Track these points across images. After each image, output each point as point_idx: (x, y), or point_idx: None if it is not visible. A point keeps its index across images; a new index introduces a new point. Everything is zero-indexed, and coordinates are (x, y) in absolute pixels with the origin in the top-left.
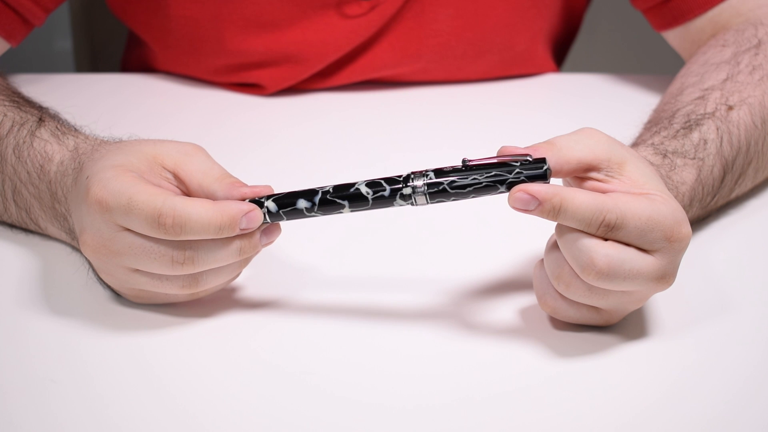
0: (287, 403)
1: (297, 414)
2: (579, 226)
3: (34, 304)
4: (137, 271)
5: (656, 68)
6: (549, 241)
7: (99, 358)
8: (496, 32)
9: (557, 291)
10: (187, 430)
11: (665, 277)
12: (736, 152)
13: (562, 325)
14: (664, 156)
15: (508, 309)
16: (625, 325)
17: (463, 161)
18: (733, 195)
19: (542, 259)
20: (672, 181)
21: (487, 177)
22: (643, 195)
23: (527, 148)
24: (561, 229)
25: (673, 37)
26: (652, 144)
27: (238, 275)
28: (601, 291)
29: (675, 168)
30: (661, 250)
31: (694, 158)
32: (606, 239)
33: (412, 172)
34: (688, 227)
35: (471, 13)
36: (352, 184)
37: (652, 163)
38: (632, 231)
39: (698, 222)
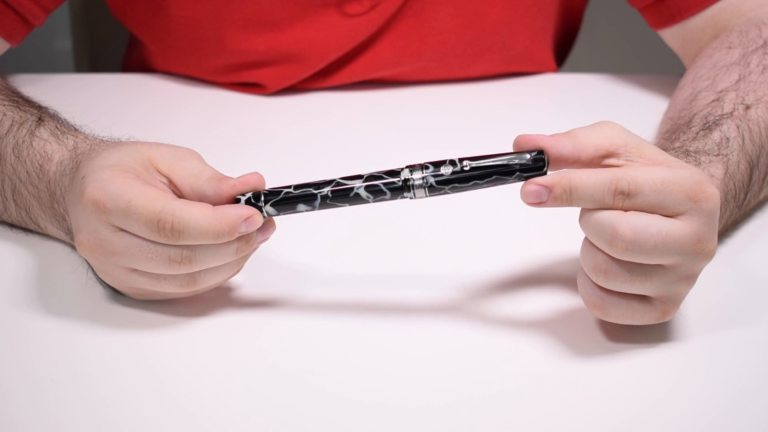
0: (287, 403)
1: (297, 414)
2: (595, 203)
3: (34, 304)
4: (135, 270)
5: (656, 68)
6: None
7: (99, 358)
8: (497, 31)
9: (601, 288)
10: (187, 429)
11: (702, 242)
12: (759, 149)
13: (563, 323)
14: (687, 154)
15: (508, 308)
16: (639, 326)
17: (462, 164)
18: (762, 194)
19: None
20: None
21: (487, 168)
22: (659, 165)
23: (548, 137)
24: (581, 214)
25: (671, 36)
26: (674, 149)
27: (237, 272)
28: (641, 271)
29: (700, 164)
30: (688, 212)
31: (718, 155)
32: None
33: (411, 165)
34: (712, 188)
35: (471, 11)
36: (351, 188)
37: None
38: (649, 195)
39: (733, 226)
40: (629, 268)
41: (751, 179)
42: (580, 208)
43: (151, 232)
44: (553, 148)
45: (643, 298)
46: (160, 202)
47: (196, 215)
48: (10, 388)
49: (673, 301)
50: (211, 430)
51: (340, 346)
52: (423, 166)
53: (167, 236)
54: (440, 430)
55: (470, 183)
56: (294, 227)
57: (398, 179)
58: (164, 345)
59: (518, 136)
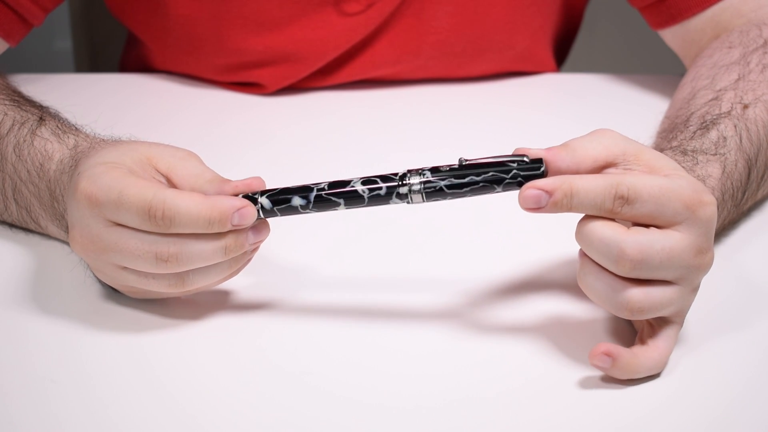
0: (287, 403)
1: (297, 414)
2: (594, 208)
3: (34, 304)
4: (125, 268)
5: (656, 68)
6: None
7: (99, 358)
8: (496, 30)
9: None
10: (187, 430)
11: (701, 253)
12: (758, 148)
13: (562, 325)
14: (685, 153)
15: (508, 308)
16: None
17: (460, 160)
18: (760, 194)
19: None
20: (696, 175)
21: (484, 177)
22: (657, 173)
23: (546, 150)
24: (580, 230)
25: (671, 36)
26: (671, 148)
27: (230, 276)
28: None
29: (698, 163)
30: (686, 221)
31: (715, 154)
32: (630, 228)
33: (408, 170)
34: (710, 196)
35: (471, 10)
36: (348, 182)
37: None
38: (648, 201)
39: (731, 226)
40: (660, 296)
41: (749, 178)
42: (577, 219)
43: (142, 221)
44: (552, 162)
45: (663, 320)
46: (151, 190)
47: (187, 202)
48: (10, 388)
49: (684, 313)
50: (211, 430)
51: (341, 347)
52: (420, 171)
53: (158, 224)
54: (440, 430)
55: (467, 181)
56: (293, 228)
57: (395, 177)
58: (164, 345)
59: (515, 149)
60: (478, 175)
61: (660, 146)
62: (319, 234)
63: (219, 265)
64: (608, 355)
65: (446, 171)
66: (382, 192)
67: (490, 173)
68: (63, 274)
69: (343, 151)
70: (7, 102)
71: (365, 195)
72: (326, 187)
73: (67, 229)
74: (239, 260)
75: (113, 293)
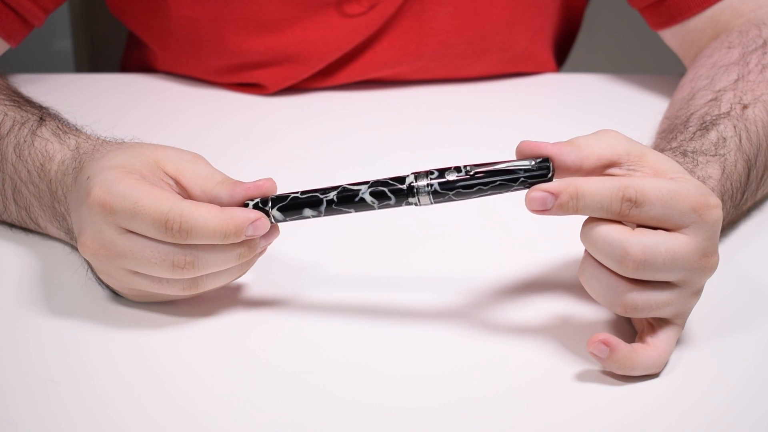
0: (287, 403)
1: (297, 414)
2: (601, 211)
3: (34, 304)
4: (137, 273)
5: (656, 68)
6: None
7: (99, 357)
8: (496, 31)
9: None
10: (187, 429)
11: (707, 256)
12: (757, 148)
13: (563, 324)
14: (685, 155)
15: (509, 308)
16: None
17: (467, 169)
18: (760, 194)
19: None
20: (696, 177)
21: (492, 186)
22: (662, 176)
23: (552, 144)
24: (585, 230)
25: (671, 36)
26: (671, 149)
27: (239, 276)
28: (664, 297)
29: (698, 164)
30: (692, 225)
31: (715, 155)
32: (634, 229)
33: (415, 173)
34: (716, 199)
35: (471, 11)
36: (356, 193)
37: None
38: (656, 204)
39: (730, 226)
40: (656, 297)
41: (748, 178)
42: (580, 220)
43: (158, 232)
44: (556, 156)
45: (663, 321)
46: (168, 202)
47: (205, 215)
48: (10, 388)
49: (685, 315)
50: (211, 430)
51: (341, 346)
52: (428, 173)
53: (175, 236)
54: (440, 430)
55: (474, 190)
56: (296, 228)
57: (403, 186)
58: (164, 345)
59: (521, 141)
60: (486, 184)
61: (659, 147)
62: (321, 233)
63: (231, 268)
64: (606, 344)
65: (454, 181)
66: (390, 194)
67: (498, 182)
68: (63, 274)
69: (343, 151)
70: (7, 102)
71: (375, 206)
72: (335, 199)
73: (67, 230)
74: (250, 262)
75: (113, 295)
